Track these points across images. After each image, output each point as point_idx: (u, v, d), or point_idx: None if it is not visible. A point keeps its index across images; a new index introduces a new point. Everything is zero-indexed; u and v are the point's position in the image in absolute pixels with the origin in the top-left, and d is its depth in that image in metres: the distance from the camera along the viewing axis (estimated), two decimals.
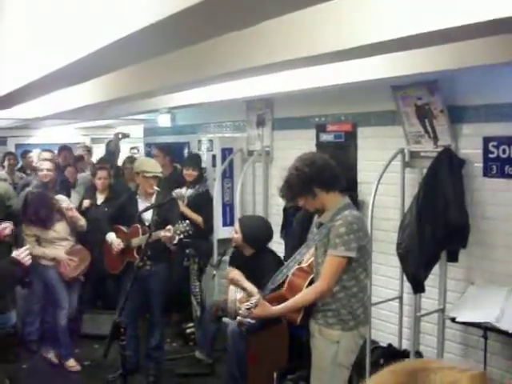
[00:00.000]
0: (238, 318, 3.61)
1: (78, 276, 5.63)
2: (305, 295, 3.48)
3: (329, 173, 3.47)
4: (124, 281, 5.25)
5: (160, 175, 5.46)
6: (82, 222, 5.79)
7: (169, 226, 5.11)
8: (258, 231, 5.12)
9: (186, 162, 6.94)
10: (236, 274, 5.04)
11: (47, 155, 7.37)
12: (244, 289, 4.94)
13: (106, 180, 6.85)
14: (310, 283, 3.56)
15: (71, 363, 5.70)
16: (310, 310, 3.55)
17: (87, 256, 5.71)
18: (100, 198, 6.85)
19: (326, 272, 3.39)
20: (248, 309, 3.51)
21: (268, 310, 3.55)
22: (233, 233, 5.13)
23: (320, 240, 3.48)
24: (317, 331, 3.50)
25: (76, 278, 5.63)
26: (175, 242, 5.19)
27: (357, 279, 3.44)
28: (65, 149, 8.47)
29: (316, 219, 3.68)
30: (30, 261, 4.27)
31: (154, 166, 5.45)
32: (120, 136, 8.10)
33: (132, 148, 10.04)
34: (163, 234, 5.04)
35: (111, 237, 5.50)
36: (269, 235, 5.20)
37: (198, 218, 6.51)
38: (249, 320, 3.60)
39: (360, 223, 3.43)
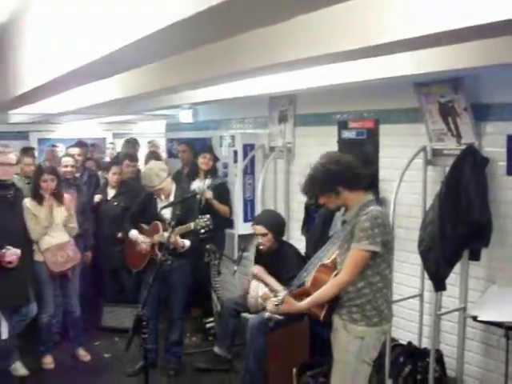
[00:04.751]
0: (267, 313, 3.64)
1: (66, 272, 5.56)
2: (327, 288, 3.50)
3: (353, 172, 3.49)
4: (146, 275, 5.29)
5: (159, 187, 5.32)
6: (74, 224, 5.69)
7: (165, 234, 5.12)
8: (280, 222, 5.28)
9: (202, 151, 6.93)
10: (260, 270, 5.10)
11: (75, 151, 7.43)
12: (267, 285, 5.00)
13: (119, 176, 6.94)
14: None
15: (47, 359, 5.69)
16: (333, 306, 3.57)
17: (77, 255, 5.68)
18: (111, 193, 6.95)
19: (348, 265, 3.42)
20: (276, 305, 3.55)
21: (294, 306, 3.59)
22: (259, 238, 5.16)
23: (344, 237, 3.50)
24: (341, 326, 3.52)
25: (65, 273, 5.57)
26: (187, 245, 5.25)
27: (381, 275, 3.46)
28: (82, 144, 8.53)
29: (339, 216, 3.71)
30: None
31: (151, 181, 5.30)
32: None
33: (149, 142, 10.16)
34: (173, 239, 5.02)
35: (135, 235, 5.52)
36: (285, 222, 5.48)
37: (225, 209, 6.57)
38: (277, 316, 3.64)
39: (384, 218, 3.47)
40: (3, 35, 3.88)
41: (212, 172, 6.76)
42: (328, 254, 3.71)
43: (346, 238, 3.48)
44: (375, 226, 3.34)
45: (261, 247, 5.19)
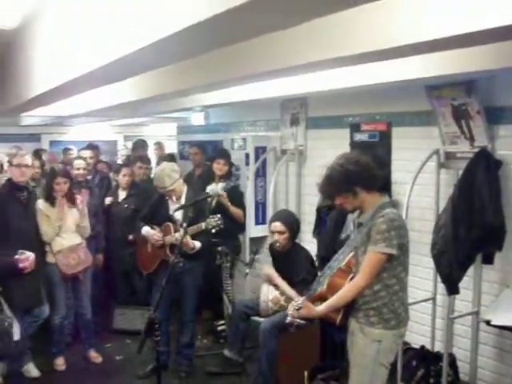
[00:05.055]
0: (289, 318, 3.61)
1: (77, 274, 5.57)
2: (344, 293, 3.48)
3: (371, 173, 3.48)
4: (158, 278, 5.29)
5: (171, 188, 5.32)
6: (86, 223, 5.70)
7: (177, 235, 5.14)
8: (297, 222, 5.29)
9: (217, 155, 6.89)
10: (272, 272, 5.10)
11: (87, 153, 7.44)
12: (277, 288, 4.99)
13: (129, 177, 6.96)
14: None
15: (59, 361, 5.71)
16: (349, 309, 3.55)
17: (88, 258, 5.70)
18: (122, 195, 6.97)
19: (365, 268, 3.40)
20: (297, 309, 3.53)
21: (313, 311, 3.57)
22: (276, 236, 5.14)
23: (360, 239, 3.49)
24: (358, 329, 3.51)
25: (76, 276, 5.58)
26: (197, 246, 5.24)
27: (397, 278, 3.44)
28: (93, 147, 8.54)
29: (353, 219, 3.70)
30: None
31: (163, 182, 5.31)
32: None
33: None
34: (184, 240, 5.01)
35: (146, 230, 5.52)
36: (299, 221, 5.48)
37: (238, 212, 6.56)
38: (299, 321, 3.61)
39: (401, 221, 3.46)
40: (15, 39, 3.91)
41: (226, 176, 6.74)
42: (346, 257, 3.69)
43: (363, 241, 3.46)
44: (392, 228, 3.33)
45: (277, 245, 5.17)
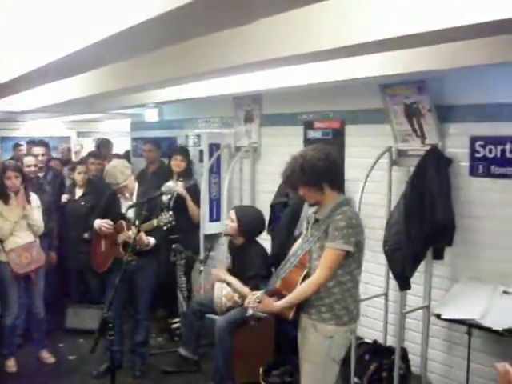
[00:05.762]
0: (251, 311, 3.59)
1: (29, 274, 5.45)
2: (304, 288, 3.48)
3: (339, 170, 3.57)
4: (111, 276, 5.22)
5: (123, 184, 5.25)
6: (39, 223, 5.57)
7: (130, 233, 5.12)
8: (254, 222, 5.24)
9: (174, 152, 6.85)
10: (221, 271, 5.11)
11: (38, 150, 7.30)
12: (230, 285, 4.99)
13: (85, 175, 6.88)
14: (304, 278, 3.56)
15: (10, 363, 5.59)
16: (301, 305, 3.57)
17: (41, 257, 5.58)
18: (78, 193, 6.89)
19: (324, 264, 3.41)
20: (258, 302, 3.52)
21: (272, 306, 3.56)
22: (227, 221, 5.18)
23: (317, 236, 3.50)
24: (310, 326, 3.52)
25: (27, 275, 5.46)
26: (152, 243, 5.21)
27: (351, 275, 3.48)
28: (44, 144, 8.38)
29: (305, 216, 3.71)
30: None
31: (116, 178, 5.23)
32: None
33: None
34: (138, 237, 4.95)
35: (98, 223, 5.42)
36: (262, 227, 5.38)
37: (197, 211, 6.52)
38: (260, 314, 3.59)
39: (358, 219, 3.49)
40: None
41: (185, 174, 6.70)
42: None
43: (319, 237, 3.47)
44: (350, 226, 3.36)
45: (225, 228, 5.27)
